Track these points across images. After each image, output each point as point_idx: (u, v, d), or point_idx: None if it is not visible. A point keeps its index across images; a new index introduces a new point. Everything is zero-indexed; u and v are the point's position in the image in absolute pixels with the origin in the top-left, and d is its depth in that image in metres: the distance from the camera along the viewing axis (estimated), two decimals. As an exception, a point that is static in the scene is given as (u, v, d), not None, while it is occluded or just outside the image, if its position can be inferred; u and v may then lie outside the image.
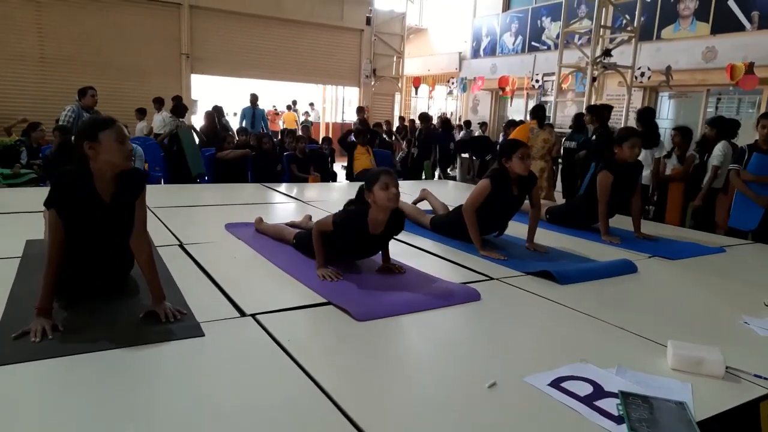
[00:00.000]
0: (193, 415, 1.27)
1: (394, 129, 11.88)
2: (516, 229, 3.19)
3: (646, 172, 5.04)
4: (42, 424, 1.21)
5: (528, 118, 5.93)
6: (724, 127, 4.96)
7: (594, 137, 5.98)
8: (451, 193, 4.98)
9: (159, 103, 8.98)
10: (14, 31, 10.53)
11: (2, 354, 1.49)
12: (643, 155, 4.95)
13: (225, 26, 12.73)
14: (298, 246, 2.67)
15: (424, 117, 9.28)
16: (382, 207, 2.24)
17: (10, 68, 10.48)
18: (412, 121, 12.12)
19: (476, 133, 11.52)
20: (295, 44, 13.65)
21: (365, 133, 7.50)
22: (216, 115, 8.29)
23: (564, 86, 10.15)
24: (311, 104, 16.29)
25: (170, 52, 12.20)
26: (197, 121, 10.47)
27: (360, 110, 10.78)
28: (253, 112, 10.29)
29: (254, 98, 10.37)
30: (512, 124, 8.16)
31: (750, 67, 8.04)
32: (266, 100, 16.48)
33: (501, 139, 9.31)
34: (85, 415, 1.25)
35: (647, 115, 5.44)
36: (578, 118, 6.91)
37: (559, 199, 6.40)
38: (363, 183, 2.31)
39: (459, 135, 11.82)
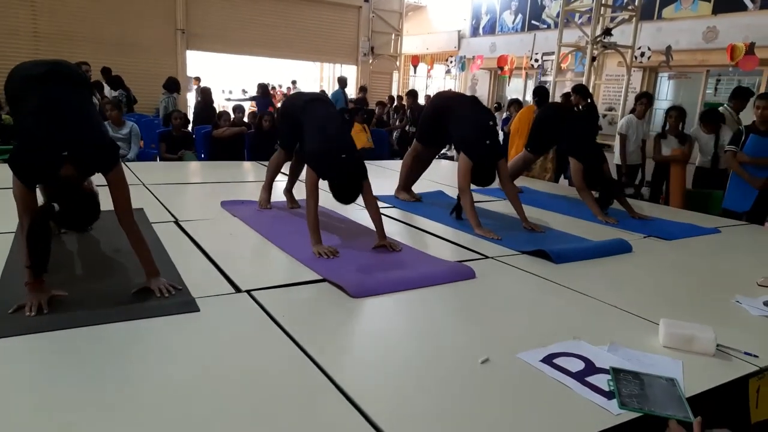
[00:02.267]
0: (187, 390, 1.28)
1: (390, 107, 11.80)
2: (512, 208, 3.19)
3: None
4: (37, 397, 1.22)
5: (531, 99, 5.90)
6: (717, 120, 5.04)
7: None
8: (449, 172, 4.95)
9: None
10: (7, 6, 10.36)
11: (-3, 328, 1.50)
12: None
13: (221, 2, 12.54)
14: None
15: (412, 93, 9.32)
16: None
17: (2, 43, 10.32)
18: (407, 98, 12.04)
19: None
20: (292, 21, 13.46)
21: (362, 111, 7.53)
22: (203, 95, 8.28)
23: (563, 66, 10.06)
24: (293, 82, 16.02)
25: (165, 27, 12.02)
26: (192, 97, 10.37)
27: (363, 89, 10.72)
28: (344, 96, 9.85)
29: (344, 81, 9.94)
30: (514, 102, 8.16)
31: (750, 48, 7.96)
32: (260, 78, 16.28)
33: (504, 116, 9.25)
34: (80, 388, 1.26)
35: (585, 91, 5.93)
36: (566, 97, 6.97)
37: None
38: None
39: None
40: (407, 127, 9.13)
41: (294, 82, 15.45)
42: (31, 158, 1.66)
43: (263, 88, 9.78)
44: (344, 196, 2.46)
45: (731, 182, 4.24)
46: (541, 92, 6.38)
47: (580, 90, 6.20)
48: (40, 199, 1.79)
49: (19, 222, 1.72)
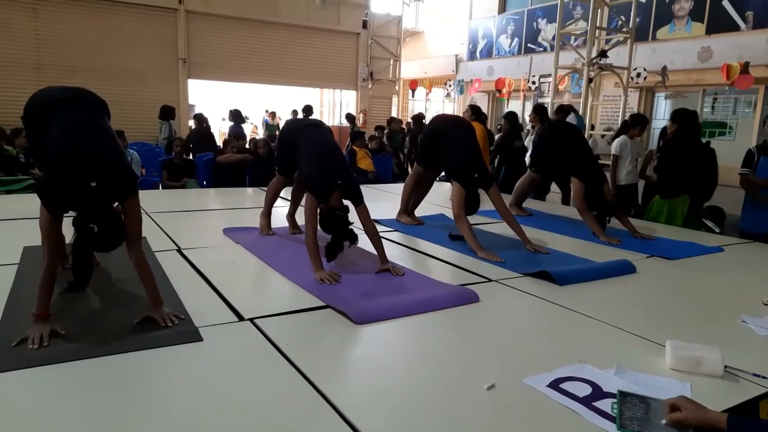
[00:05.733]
0: (192, 420, 1.26)
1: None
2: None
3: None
4: (40, 429, 1.21)
5: (468, 115, 5.75)
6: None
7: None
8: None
9: None
10: (10, 38, 10.52)
11: (1, 361, 1.49)
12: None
13: (221, 31, 12.73)
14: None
15: (417, 118, 9.40)
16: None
17: (5, 75, 10.45)
18: (409, 124, 12.13)
19: None
20: (292, 48, 13.65)
21: (362, 137, 7.79)
22: (198, 121, 8.39)
23: (560, 87, 10.17)
24: (293, 111, 16.07)
25: (167, 57, 12.19)
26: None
27: (350, 118, 10.88)
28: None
29: (514, 117, 9.57)
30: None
31: (745, 67, 8.06)
32: (262, 105, 16.44)
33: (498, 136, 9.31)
34: (83, 420, 1.25)
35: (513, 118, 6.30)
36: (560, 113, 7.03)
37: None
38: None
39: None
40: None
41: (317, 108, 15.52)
42: (60, 188, 1.67)
43: (235, 115, 9.61)
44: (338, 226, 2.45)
45: (747, 204, 4.18)
46: (476, 110, 6.35)
47: (538, 110, 6.32)
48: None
49: (42, 252, 1.70)
